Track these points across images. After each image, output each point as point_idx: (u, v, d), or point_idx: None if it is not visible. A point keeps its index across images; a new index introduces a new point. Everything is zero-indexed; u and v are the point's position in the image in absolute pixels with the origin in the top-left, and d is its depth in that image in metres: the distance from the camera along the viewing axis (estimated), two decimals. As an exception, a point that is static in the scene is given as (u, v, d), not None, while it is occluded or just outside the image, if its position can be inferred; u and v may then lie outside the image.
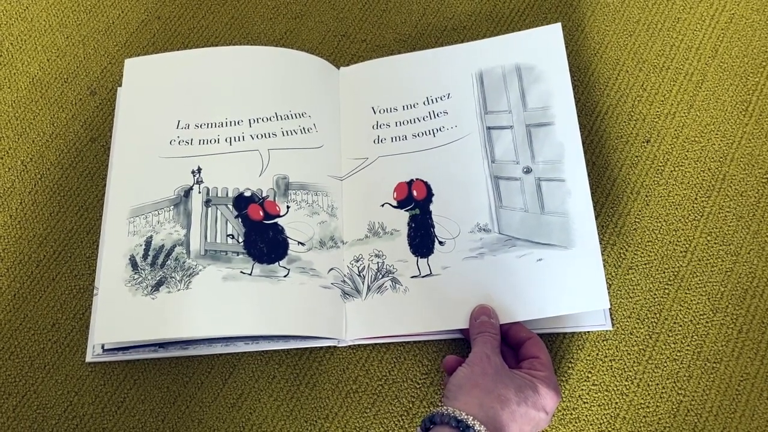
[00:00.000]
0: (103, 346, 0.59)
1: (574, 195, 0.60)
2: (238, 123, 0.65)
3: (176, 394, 0.59)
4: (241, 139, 0.64)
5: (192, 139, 0.64)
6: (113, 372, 0.59)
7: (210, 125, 0.64)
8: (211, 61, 0.67)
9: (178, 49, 0.72)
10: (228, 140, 0.64)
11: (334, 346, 0.60)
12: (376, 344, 0.60)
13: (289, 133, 0.64)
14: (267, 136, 0.64)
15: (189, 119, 0.65)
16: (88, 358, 0.60)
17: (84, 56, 0.72)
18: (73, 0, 0.75)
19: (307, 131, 0.65)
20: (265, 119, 0.65)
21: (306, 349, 0.60)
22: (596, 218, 0.63)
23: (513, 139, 0.63)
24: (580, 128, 0.61)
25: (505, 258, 0.59)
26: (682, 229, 0.63)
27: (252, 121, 0.65)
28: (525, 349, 0.56)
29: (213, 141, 0.64)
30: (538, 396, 0.51)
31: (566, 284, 0.57)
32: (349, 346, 0.60)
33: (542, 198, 0.60)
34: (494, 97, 0.65)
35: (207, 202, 0.61)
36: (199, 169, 0.63)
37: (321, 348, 0.60)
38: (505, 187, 0.62)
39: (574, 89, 0.69)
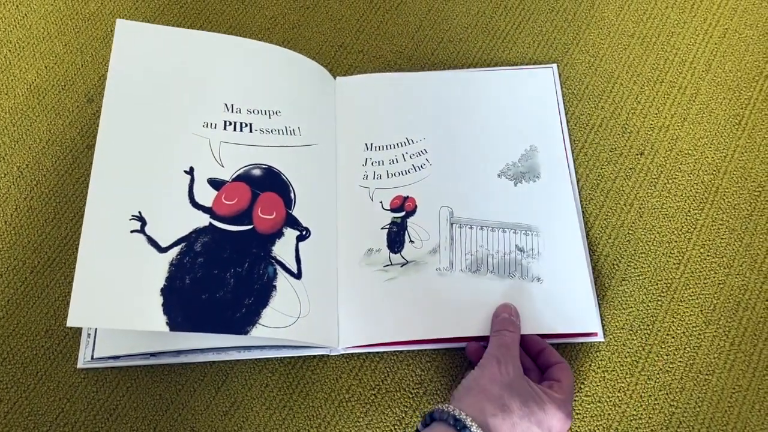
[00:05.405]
0: (92, 356, 0.59)
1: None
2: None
3: (169, 401, 0.59)
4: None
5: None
6: (106, 379, 0.59)
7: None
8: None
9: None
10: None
11: (327, 355, 0.60)
12: (369, 353, 0.60)
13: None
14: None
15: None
16: (80, 365, 0.60)
17: (82, 64, 0.72)
18: (72, 8, 0.75)
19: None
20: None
21: (299, 357, 0.60)
22: (589, 230, 0.64)
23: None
24: (572, 142, 0.61)
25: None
26: (675, 241, 0.64)
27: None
28: (550, 372, 0.55)
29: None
30: (544, 414, 0.49)
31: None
32: (342, 354, 0.60)
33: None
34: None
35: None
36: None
37: (314, 356, 0.60)
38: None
39: (568, 102, 0.69)
